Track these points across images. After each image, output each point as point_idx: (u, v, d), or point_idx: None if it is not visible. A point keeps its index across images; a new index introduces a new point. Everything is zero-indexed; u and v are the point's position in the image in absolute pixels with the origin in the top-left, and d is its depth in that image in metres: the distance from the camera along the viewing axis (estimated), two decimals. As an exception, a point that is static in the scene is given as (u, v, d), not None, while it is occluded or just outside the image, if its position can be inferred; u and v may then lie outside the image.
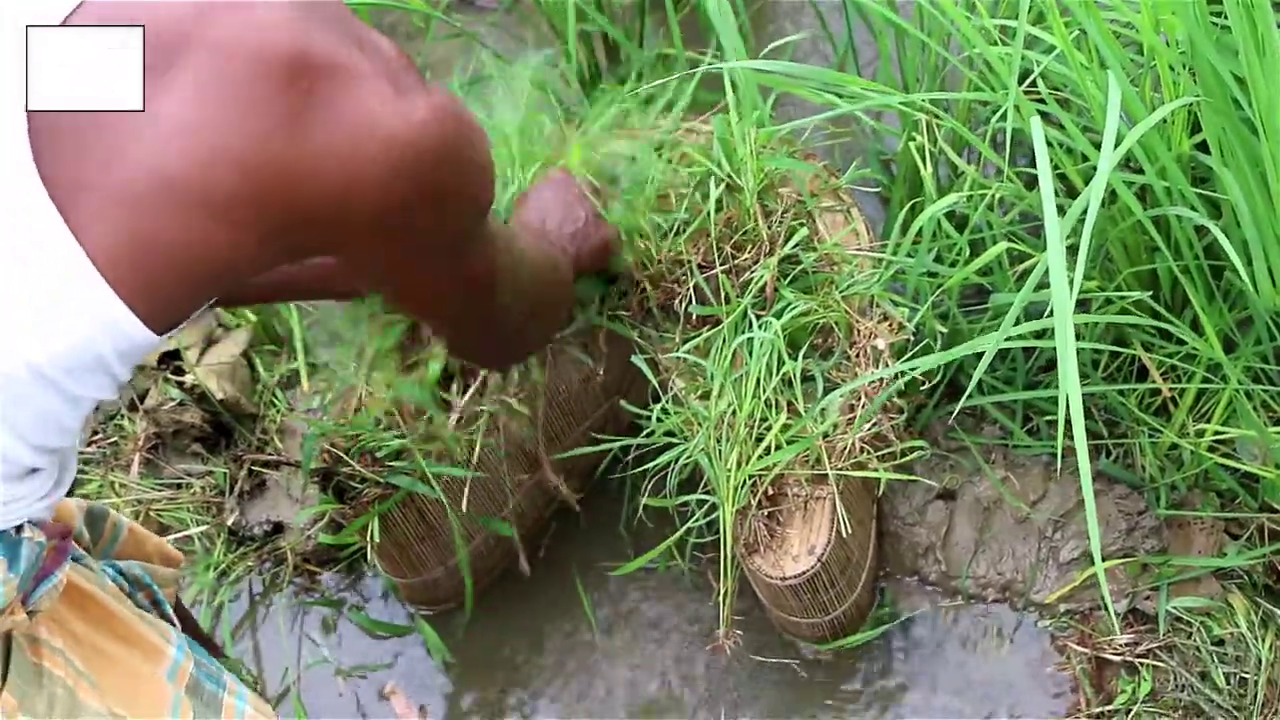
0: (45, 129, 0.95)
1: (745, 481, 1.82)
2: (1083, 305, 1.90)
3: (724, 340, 1.89)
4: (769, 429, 1.81)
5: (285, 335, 2.40)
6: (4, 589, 1.09)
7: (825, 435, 1.82)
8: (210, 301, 1.13)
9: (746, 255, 1.95)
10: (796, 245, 1.94)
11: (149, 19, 0.96)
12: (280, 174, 0.98)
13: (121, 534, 1.49)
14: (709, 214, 1.93)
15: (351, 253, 1.12)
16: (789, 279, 1.93)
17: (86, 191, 0.96)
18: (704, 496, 1.85)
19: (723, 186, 1.95)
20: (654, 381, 1.96)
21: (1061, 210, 1.49)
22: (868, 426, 1.83)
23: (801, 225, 1.96)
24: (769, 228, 1.96)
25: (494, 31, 2.68)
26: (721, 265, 1.94)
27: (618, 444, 1.96)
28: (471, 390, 1.92)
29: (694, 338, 1.94)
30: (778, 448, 1.81)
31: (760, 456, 1.81)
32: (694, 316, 1.95)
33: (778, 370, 1.83)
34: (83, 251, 0.96)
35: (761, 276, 1.91)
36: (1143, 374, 1.95)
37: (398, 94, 1.01)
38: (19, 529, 1.11)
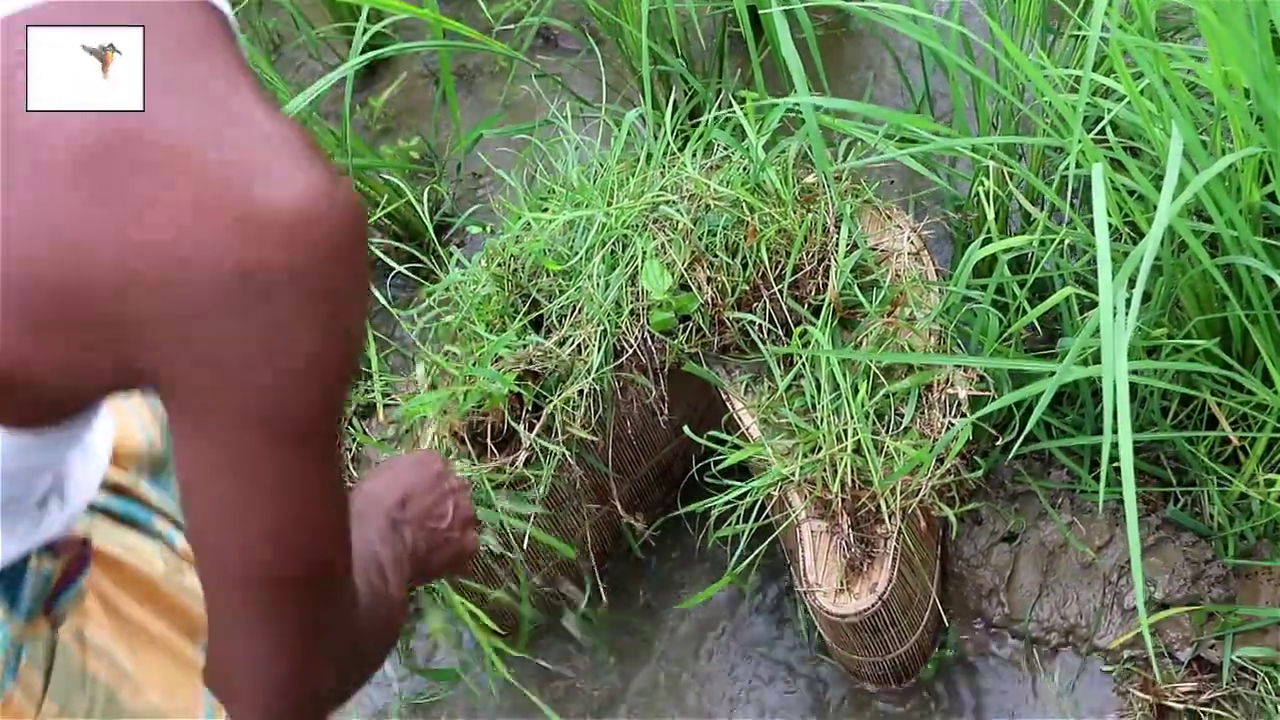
0: None
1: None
2: (1152, 352, 1.90)
3: (799, 374, 1.94)
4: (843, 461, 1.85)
5: (363, 365, 2.45)
6: (8, 629, 1.08)
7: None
8: (65, 414, 0.91)
9: (803, 257, 2.01)
10: (852, 244, 2.00)
11: None
12: (60, 248, 0.79)
13: None
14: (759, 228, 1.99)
15: (167, 364, 0.81)
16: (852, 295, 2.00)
17: None
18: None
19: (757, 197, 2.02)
20: (734, 413, 2.00)
21: (1126, 255, 1.50)
22: (939, 473, 1.85)
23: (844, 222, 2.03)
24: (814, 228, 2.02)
25: (574, 72, 2.73)
26: (778, 283, 1.99)
27: (705, 504, 1.97)
28: (539, 427, 1.96)
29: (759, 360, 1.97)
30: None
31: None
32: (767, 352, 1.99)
33: (854, 409, 1.86)
34: None
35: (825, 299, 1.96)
36: (1213, 422, 1.95)
37: (273, 163, 0.80)
38: (25, 560, 1.08)
